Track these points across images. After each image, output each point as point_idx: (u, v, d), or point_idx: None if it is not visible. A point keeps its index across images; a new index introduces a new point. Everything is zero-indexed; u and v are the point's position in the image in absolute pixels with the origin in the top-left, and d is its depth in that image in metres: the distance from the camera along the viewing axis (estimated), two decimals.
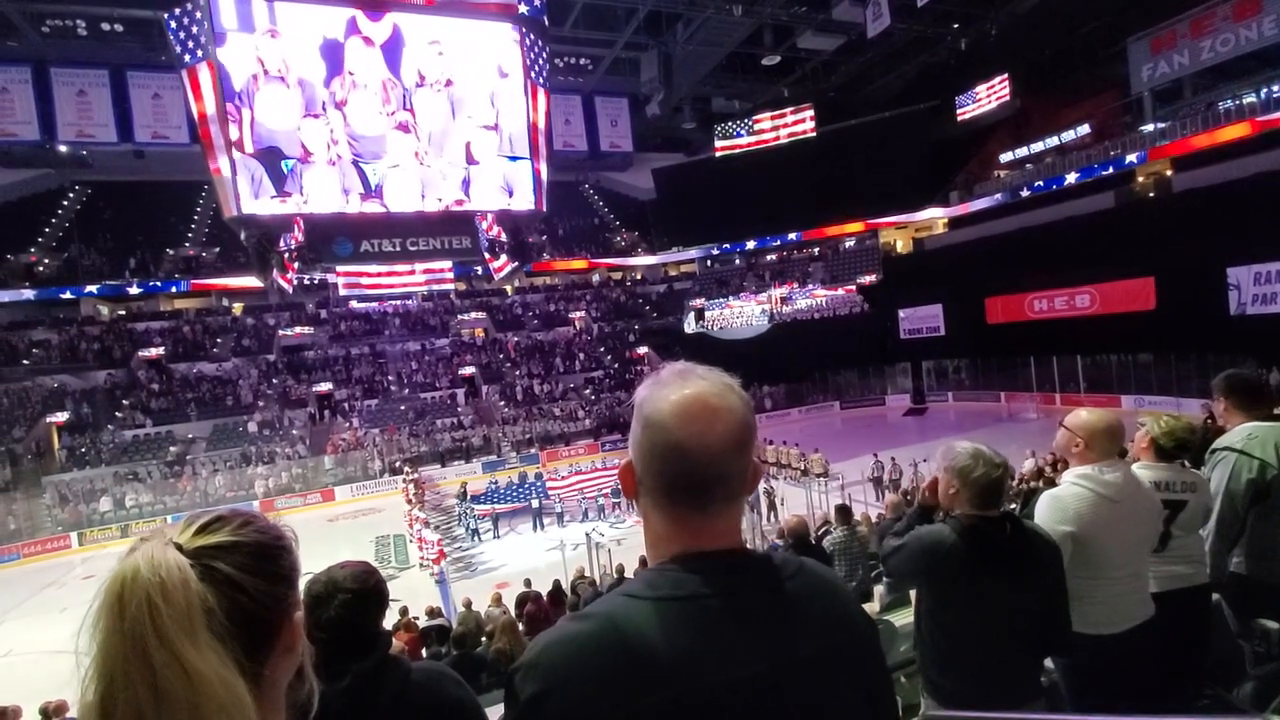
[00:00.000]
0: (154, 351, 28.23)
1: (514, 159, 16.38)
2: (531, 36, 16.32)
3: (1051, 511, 2.26)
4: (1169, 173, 25.50)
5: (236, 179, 13.61)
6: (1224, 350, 16.79)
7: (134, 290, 29.77)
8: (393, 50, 14.86)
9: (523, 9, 16.15)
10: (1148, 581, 2.33)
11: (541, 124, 16.64)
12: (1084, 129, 29.57)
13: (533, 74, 16.32)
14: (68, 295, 28.82)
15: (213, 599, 0.62)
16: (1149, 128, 26.41)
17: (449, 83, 15.45)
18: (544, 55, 16.69)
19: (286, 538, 0.73)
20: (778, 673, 0.84)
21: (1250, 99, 23.05)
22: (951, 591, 1.93)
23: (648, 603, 0.84)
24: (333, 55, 14.28)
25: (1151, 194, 25.66)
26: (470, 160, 15.91)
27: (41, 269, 28.97)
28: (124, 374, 27.29)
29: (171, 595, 0.59)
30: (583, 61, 32.99)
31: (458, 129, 15.70)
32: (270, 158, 13.85)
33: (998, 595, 1.91)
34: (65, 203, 32.49)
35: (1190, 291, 21.30)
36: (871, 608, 5.86)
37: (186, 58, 13.20)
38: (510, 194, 16.43)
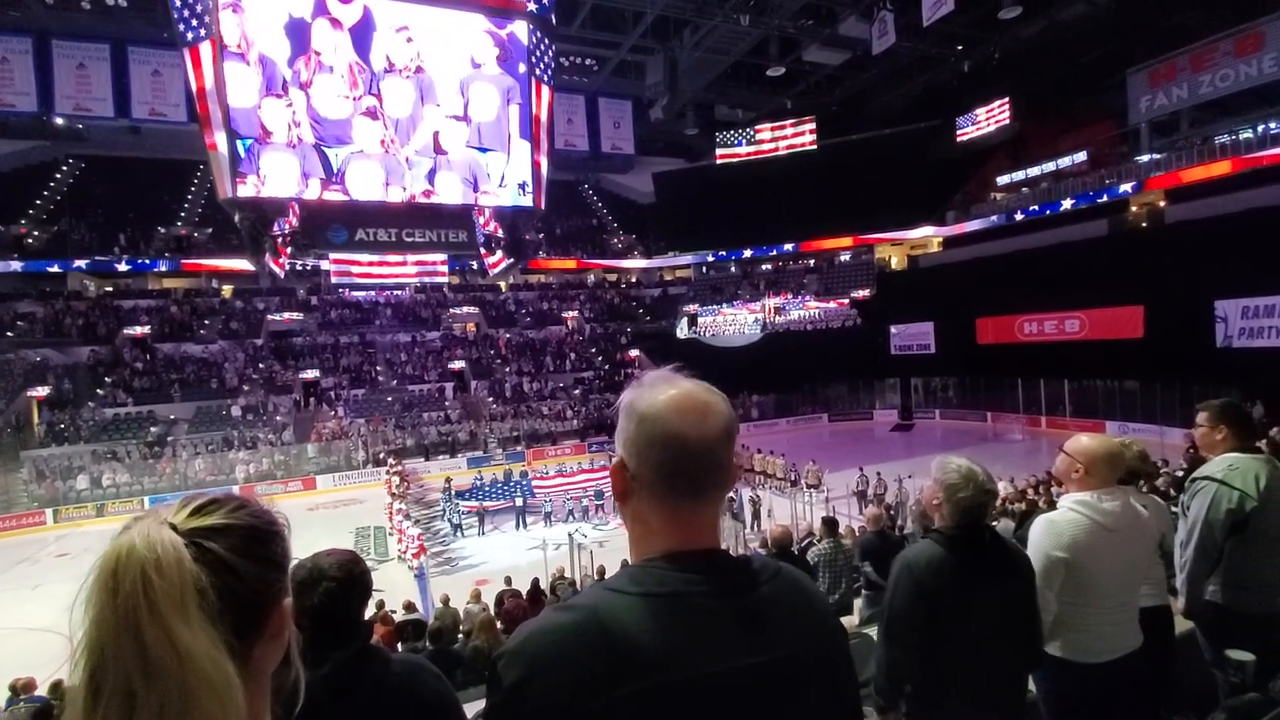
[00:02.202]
0: (140, 330, 27.90)
1: (484, 150, 16.24)
2: (538, 34, 16.31)
3: (1046, 536, 2.25)
4: (1162, 204, 25.80)
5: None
6: (1209, 381, 16.97)
7: (123, 267, 29.46)
8: (362, 34, 14.68)
9: (531, 6, 16.16)
10: (1136, 612, 2.33)
11: (545, 120, 16.61)
12: (1081, 156, 29.91)
13: (537, 71, 16.32)
14: (55, 269, 28.52)
15: (205, 579, 0.62)
16: (1144, 158, 26.72)
17: (419, 70, 15.31)
18: (550, 53, 16.70)
19: (279, 523, 0.73)
20: (752, 670, 0.87)
21: (1247, 135, 23.37)
22: (944, 603, 1.92)
23: (631, 597, 0.87)
24: (298, 34, 14.05)
25: (1144, 224, 25.96)
26: (438, 150, 15.78)
27: (30, 241, 28.61)
28: (108, 351, 26.98)
29: (166, 573, 0.59)
30: (588, 62, 33.01)
31: (426, 117, 15.53)
32: (226, 136, 13.65)
33: (986, 603, 1.92)
34: (58, 176, 32.12)
35: (1178, 321, 21.54)
36: (850, 621, 5.88)
37: (189, 35, 13.11)
38: (475, 186, 16.29)
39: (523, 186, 16.89)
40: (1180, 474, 8.61)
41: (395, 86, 15.14)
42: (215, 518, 0.67)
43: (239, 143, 13.74)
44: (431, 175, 15.82)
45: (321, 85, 14.37)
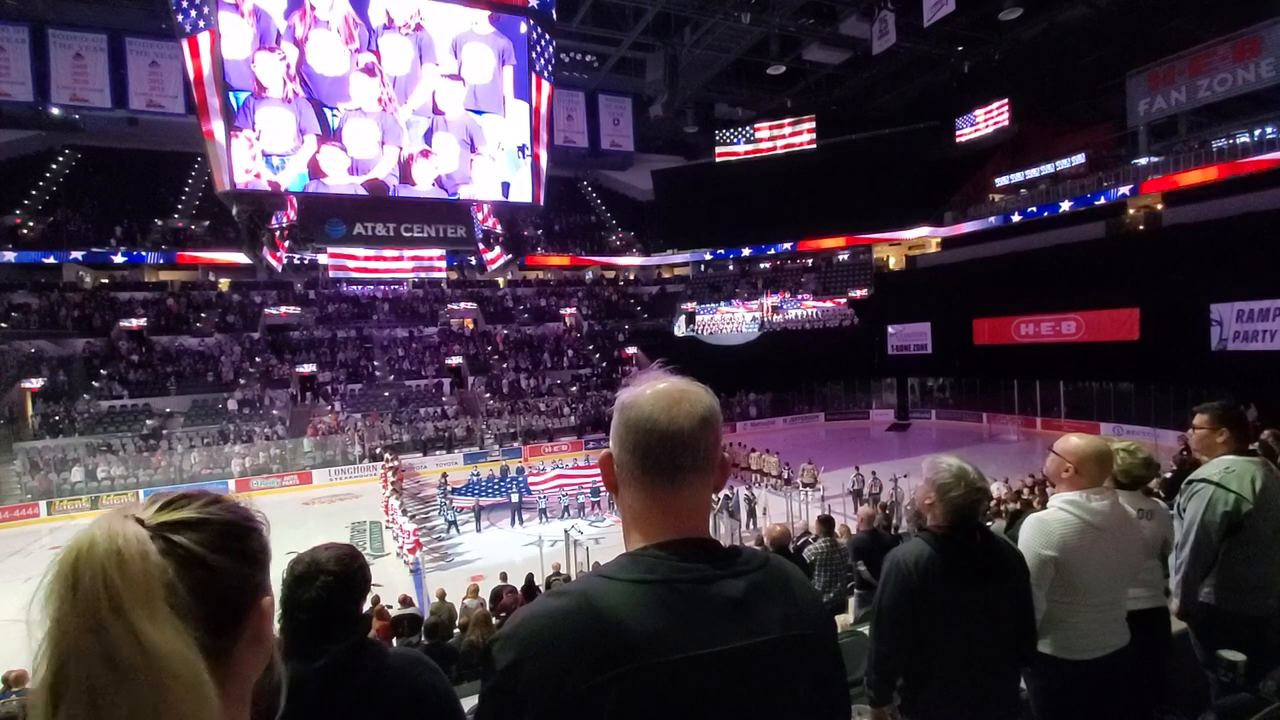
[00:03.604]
0: (136, 322, 27.76)
1: (480, 113, 16.13)
2: (538, 29, 16.26)
3: (1036, 535, 2.27)
4: (1159, 207, 25.87)
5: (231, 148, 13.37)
6: (1204, 384, 17.01)
7: (119, 259, 29.26)
8: None
9: (532, 2, 16.10)
10: (1124, 609, 2.35)
11: (545, 115, 16.57)
12: (1079, 158, 29.92)
13: (537, 66, 16.26)
14: (51, 260, 28.33)
15: (174, 573, 0.59)
16: (1142, 161, 26.76)
17: (418, 28, 15.16)
18: (550, 48, 16.65)
19: (256, 519, 0.70)
20: (739, 653, 0.90)
21: (1244, 139, 23.41)
22: (930, 602, 1.94)
23: (622, 583, 0.91)
24: None
25: (1141, 226, 26.02)
26: (436, 110, 15.67)
27: (26, 232, 28.44)
28: (103, 343, 26.87)
29: (128, 567, 0.57)
30: (588, 58, 32.91)
31: (425, 76, 15.39)
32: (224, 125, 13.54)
33: (974, 603, 1.93)
34: (54, 166, 31.93)
35: (1174, 324, 21.61)
36: (845, 619, 5.90)
37: (187, 27, 13.05)
38: (472, 148, 16.16)
39: (522, 150, 16.64)
40: (1169, 475, 8.63)
41: (394, 44, 14.99)
42: (186, 512, 0.64)
43: (233, 95, 13.58)
44: (429, 135, 15.71)
45: (317, 40, 14.24)
